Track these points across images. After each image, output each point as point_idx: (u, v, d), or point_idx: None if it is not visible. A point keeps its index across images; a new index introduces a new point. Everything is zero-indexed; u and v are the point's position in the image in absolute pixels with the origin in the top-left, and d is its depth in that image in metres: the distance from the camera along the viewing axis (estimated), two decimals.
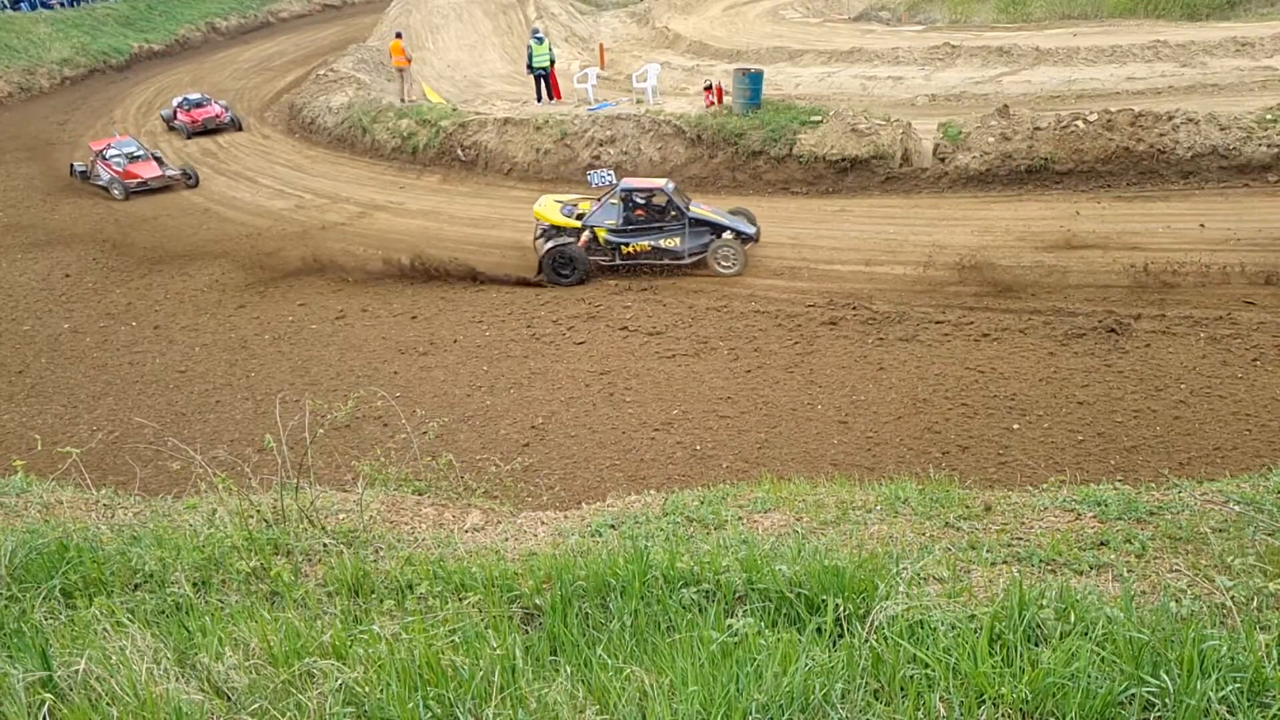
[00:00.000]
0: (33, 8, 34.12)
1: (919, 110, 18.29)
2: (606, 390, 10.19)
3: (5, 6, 33.70)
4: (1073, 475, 6.94)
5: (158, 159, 19.35)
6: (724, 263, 12.69)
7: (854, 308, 11.34)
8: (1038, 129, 14.55)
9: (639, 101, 18.97)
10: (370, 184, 18.53)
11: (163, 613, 3.61)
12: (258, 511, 4.52)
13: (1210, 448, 8.15)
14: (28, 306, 13.84)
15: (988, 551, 4.06)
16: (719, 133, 16.18)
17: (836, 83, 21.14)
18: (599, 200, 13.22)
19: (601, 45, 25.40)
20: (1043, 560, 3.93)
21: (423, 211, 16.81)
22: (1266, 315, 10.18)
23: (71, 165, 19.82)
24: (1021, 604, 3.10)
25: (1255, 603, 3.27)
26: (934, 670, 2.80)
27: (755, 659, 2.87)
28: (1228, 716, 2.60)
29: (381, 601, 3.62)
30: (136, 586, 3.90)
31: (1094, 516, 4.41)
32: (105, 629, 3.22)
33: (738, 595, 3.48)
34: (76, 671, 2.92)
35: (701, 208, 13.07)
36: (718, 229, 12.76)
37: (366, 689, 2.83)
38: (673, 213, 12.78)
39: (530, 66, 20.27)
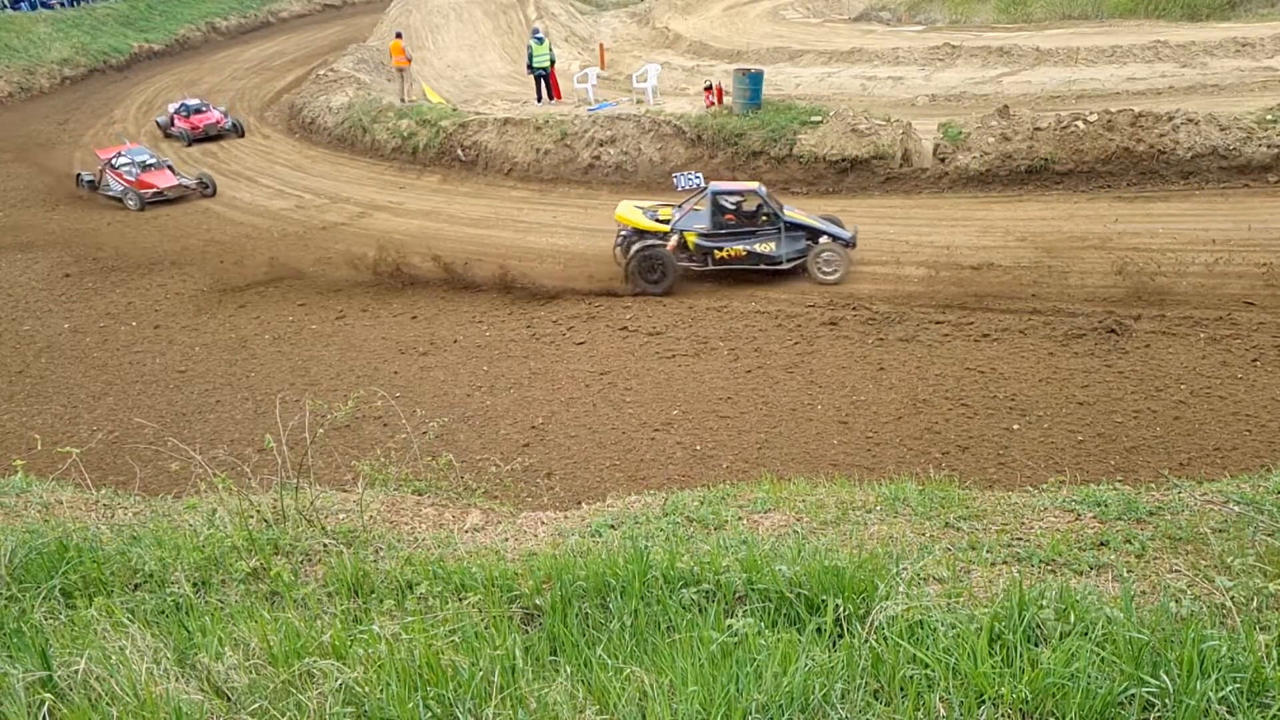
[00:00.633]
0: (33, 7, 34.12)
1: (919, 110, 18.30)
2: (606, 390, 10.19)
3: (5, 6, 33.69)
4: (1073, 475, 6.95)
5: (169, 167, 18.51)
6: (826, 269, 12.13)
7: (854, 308, 11.35)
8: (1038, 129, 14.55)
9: (639, 102, 18.98)
10: (370, 184, 18.53)
11: (163, 613, 3.61)
12: (258, 511, 4.51)
13: (1210, 448, 8.15)
14: (28, 306, 13.84)
15: (988, 551, 4.06)
16: (719, 133, 16.18)
17: (837, 83, 21.15)
18: (680, 205, 12.72)
19: (601, 45, 25.40)
20: (1043, 560, 3.93)
21: (423, 211, 16.81)
22: (1266, 315, 10.18)
23: (79, 176, 18.84)
24: (1021, 604, 3.10)
25: (1255, 603, 3.27)
26: (934, 670, 2.80)
27: (755, 659, 2.88)
28: (1227, 717, 2.60)
29: (381, 601, 3.62)
30: (136, 586, 3.90)
31: (1094, 517, 4.41)
32: (105, 629, 3.22)
33: (738, 595, 3.48)
34: (76, 671, 2.92)
35: (795, 211, 12.55)
36: (814, 233, 12.24)
37: (366, 689, 2.83)
38: (765, 216, 12.25)
39: (530, 67, 20.27)
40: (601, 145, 17.13)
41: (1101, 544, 4.06)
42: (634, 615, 3.33)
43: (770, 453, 8.78)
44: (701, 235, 12.34)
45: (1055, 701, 2.68)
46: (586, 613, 3.42)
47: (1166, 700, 2.64)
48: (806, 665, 2.82)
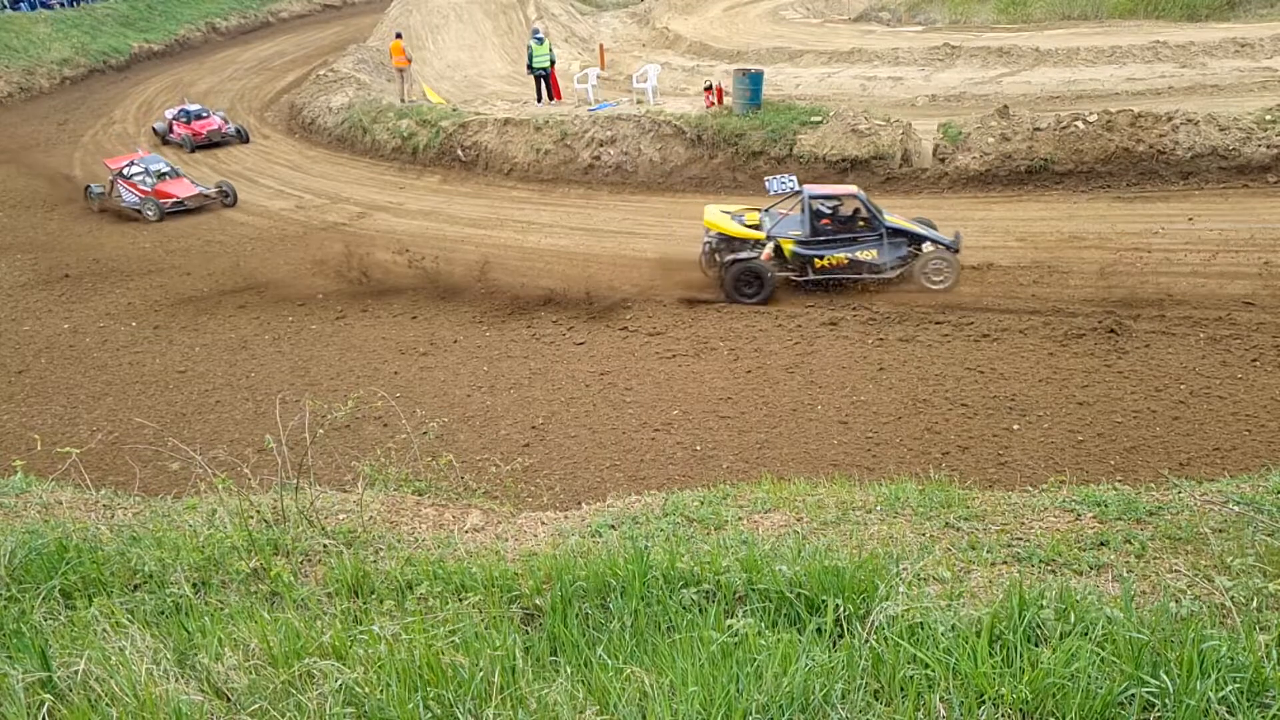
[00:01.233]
0: (33, 8, 34.12)
1: (919, 111, 18.31)
2: (607, 390, 10.19)
3: (5, 6, 33.70)
4: (1072, 475, 6.95)
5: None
6: (935, 277, 11.44)
7: (854, 308, 11.34)
8: (1037, 130, 14.56)
9: (639, 102, 18.99)
10: (370, 184, 18.54)
11: (162, 613, 3.61)
12: (257, 512, 4.51)
13: (1210, 448, 8.15)
14: (27, 306, 13.84)
15: (988, 552, 4.06)
16: (719, 133, 16.18)
17: (836, 83, 21.16)
18: (767, 209, 12.09)
19: (602, 46, 25.41)
20: (1043, 560, 3.93)
21: (423, 212, 16.82)
22: (1266, 315, 10.18)
23: (88, 188, 18.17)
24: (1021, 604, 3.11)
25: (1255, 603, 3.27)
26: (934, 671, 2.80)
27: (755, 659, 2.88)
28: (1227, 717, 2.60)
29: (381, 602, 3.62)
30: (136, 587, 3.90)
31: (1094, 517, 4.41)
32: (105, 629, 3.22)
33: (738, 595, 3.48)
34: (76, 672, 2.92)
35: (895, 216, 11.82)
36: (916, 239, 11.60)
37: (366, 689, 2.83)
38: (864, 221, 11.55)
39: (530, 67, 20.28)
40: (601, 145, 17.13)
41: (1101, 544, 4.06)
42: (634, 615, 3.33)
43: (770, 453, 8.78)
44: (799, 243, 11.65)
45: (1055, 701, 2.68)
46: (587, 613, 3.42)
47: (1166, 700, 2.64)
48: (806, 665, 2.82)
